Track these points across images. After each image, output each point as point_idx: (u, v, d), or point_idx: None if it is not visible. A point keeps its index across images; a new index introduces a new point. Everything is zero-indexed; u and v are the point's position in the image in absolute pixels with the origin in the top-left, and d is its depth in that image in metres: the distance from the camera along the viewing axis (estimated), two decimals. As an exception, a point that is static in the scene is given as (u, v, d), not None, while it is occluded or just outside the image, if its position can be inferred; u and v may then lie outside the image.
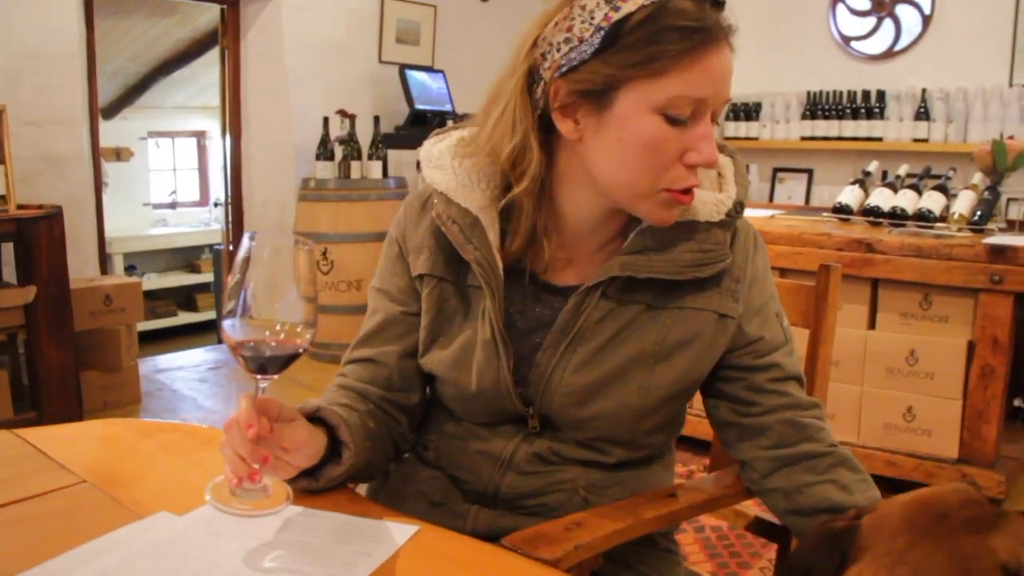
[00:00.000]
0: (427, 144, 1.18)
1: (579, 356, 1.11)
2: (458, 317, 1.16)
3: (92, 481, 1.09)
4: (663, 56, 0.97)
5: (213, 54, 6.16)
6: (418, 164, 1.18)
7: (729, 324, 1.13)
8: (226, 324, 0.92)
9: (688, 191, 1.04)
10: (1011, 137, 3.65)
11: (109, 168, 6.90)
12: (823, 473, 1.11)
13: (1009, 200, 3.36)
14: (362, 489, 1.25)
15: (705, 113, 1.01)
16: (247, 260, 0.92)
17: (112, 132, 7.22)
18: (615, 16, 0.98)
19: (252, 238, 0.93)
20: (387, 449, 1.19)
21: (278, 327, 0.93)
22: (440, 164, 1.14)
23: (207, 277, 7.54)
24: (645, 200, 1.05)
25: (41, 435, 1.26)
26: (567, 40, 1.01)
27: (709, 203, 1.11)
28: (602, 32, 0.99)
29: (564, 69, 1.02)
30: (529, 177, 1.08)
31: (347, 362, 1.24)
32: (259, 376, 0.95)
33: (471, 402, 1.16)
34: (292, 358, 0.95)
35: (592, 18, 1.00)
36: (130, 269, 7.20)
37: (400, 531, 0.99)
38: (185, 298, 7.67)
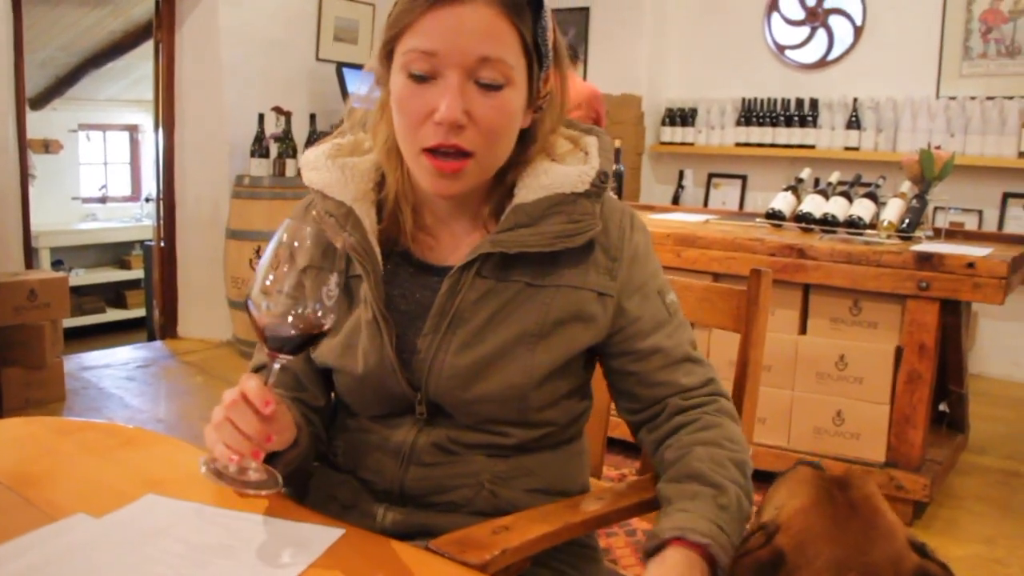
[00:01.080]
0: (307, 151, 1.24)
1: (460, 337, 1.12)
2: (342, 307, 1.18)
3: (5, 482, 1.05)
4: (404, 16, 1.05)
5: (147, 47, 6.01)
6: (298, 171, 1.22)
7: (608, 302, 1.16)
8: (251, 302, 0.95)
9: (443, 156, 1.06)
10: (938, 147, 3.74)
11: (37, 160, 6.72)
12: (673, 435, 1.17)
13: (936, 208, 3.44)
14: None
15: (446, 69, 1.04)
16: (279, 243, 0.97)
17: (41, 123, 7.03)
18: None
19: (289, 222, 0.98)
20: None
21: (301, 309, 0.96)
22: (316, 166, 1.21)
23: (137, 274, 7.37)
24: (415, 165, 1.10)
25: (-48, 434, 1.21)
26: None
27: (572, 175, 1.14)
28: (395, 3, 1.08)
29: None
30: (379, 126, 1.16)
31: (256, 368, 1.25)
32: (277, 355, 0.98)
33: (360, 388, 1.17)
34: (310, 340, 0.99)
35: None
36: (57, 264, 7.02)
37: (325, 534, 0.97)
38: (114, 295, 7.52)
